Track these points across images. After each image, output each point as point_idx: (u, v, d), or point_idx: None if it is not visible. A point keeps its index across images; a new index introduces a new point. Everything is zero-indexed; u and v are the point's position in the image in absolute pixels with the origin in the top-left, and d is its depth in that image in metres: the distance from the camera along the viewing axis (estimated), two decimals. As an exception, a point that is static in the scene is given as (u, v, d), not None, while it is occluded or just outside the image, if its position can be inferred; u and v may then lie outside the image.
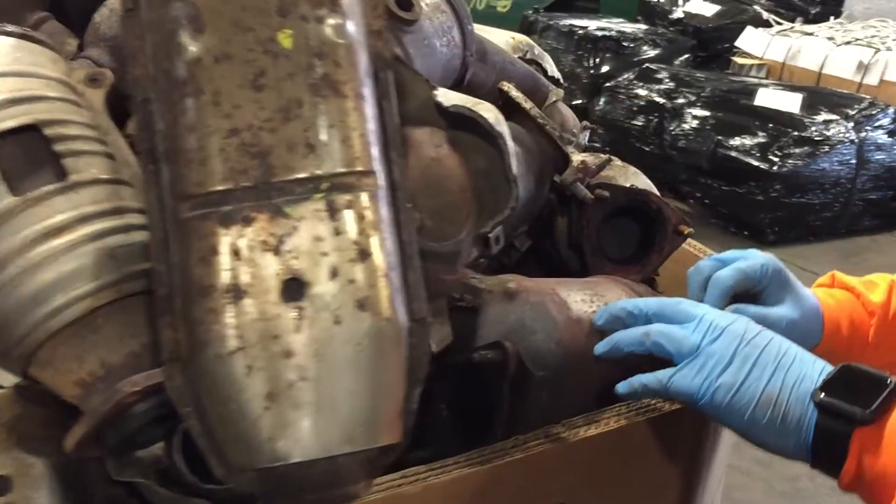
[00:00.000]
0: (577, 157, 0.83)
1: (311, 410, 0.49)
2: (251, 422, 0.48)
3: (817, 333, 0.80)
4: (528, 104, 0.84)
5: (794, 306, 0.78)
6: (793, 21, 5.17)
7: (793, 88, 3.82)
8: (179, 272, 0.51)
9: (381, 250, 0.53)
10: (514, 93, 0.85)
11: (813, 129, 3.47)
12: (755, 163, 3.46)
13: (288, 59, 0.52)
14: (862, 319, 0.82)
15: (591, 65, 4.67)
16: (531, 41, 1.22)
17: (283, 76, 0.51)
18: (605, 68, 4.64)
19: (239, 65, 0.51)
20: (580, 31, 4.67)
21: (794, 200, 3.46)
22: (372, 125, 0.56)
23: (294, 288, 0.49)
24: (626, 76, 4.32)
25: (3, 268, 0.54)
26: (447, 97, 0.64)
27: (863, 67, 4.24)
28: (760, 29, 4.84)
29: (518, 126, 0.86)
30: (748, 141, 3.52)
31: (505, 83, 0.87)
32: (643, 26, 5.05)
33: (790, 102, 3.62)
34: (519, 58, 1.10)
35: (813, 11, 5.41)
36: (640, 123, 4.07)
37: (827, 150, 3.43)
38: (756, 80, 4.05)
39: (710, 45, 5.08)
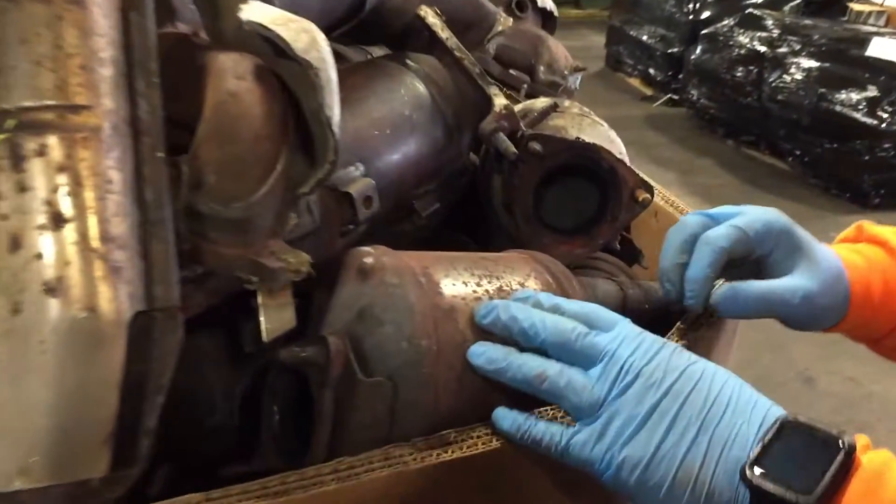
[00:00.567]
0: (500, 101, 0.66)
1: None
2: None
3: (842, 306, 0.62)
4: (445, 33, 0.68)
5: (809, 274, 0.60)
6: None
7: (913, 37, 3.41)
8: None
9: (93, 214, 0.40)
10: (431, 19, 0.68)
11: (931, 82, 3.08)
12: (862, 118, 3.11)
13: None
14: None
15: (691, 9, 4.33)
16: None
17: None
18: (705, 13, 4.29)
19: None
20: (680, -28, 4.34)
21: (905, 161, 3.10)
22: (102, 43, 0.42)
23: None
24: (726, 21, 3.97)
25: None
26: (259, 13, 0.48)
27: None
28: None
29: (437, 62, 0.70)
30: (855, 95, 3.16)
31: (424, 7, 0.70)
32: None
33: (908, 52, 3.23)
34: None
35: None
36: (738, 74, 3.75)
37: (946, 106, 3.05)
38: (872, 29, 3.64)
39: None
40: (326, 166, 0.48)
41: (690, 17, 4.29)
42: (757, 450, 0.44)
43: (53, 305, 0.38)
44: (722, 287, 0.60)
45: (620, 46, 5.19)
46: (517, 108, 0.76)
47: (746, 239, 0.60)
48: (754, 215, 0.61)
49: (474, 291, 0.57)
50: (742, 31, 3.82)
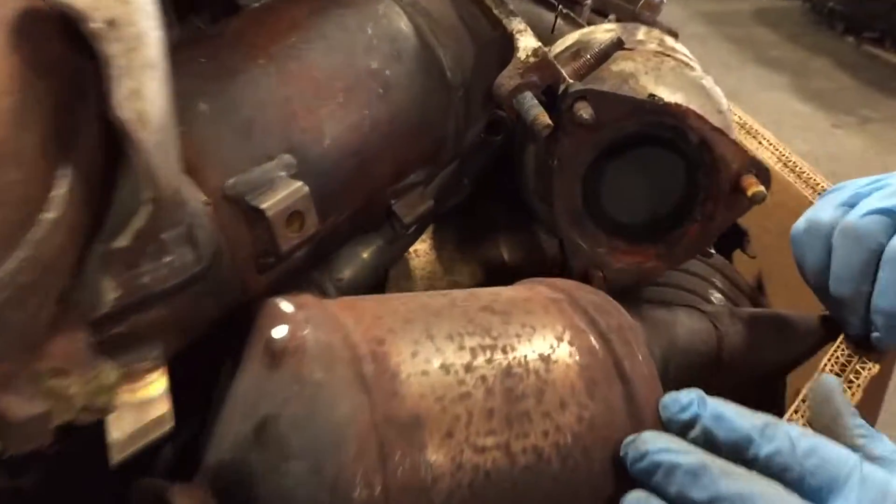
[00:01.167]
0: (526, 42, 0.41)
1: None
2: None
3: None
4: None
5: None
6: None
7: None
8: None
9: None
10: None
11: None
12: None
13: None
14: None
15: None
16: None
17: None
18: None
19: None
20: None
21: None
22: None
23: None
24: None
25: None
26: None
27: None
28: None
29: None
30: None
31: None
32: None
33: None
34: None
35: None
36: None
37: None
38: None
39: None
40: (146, 208, 0.25)
41: None
42: None
43: None
44: None
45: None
46: (565, 42, 0.51)
47: None
48: None
49: (461, 382, 0.34)
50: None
